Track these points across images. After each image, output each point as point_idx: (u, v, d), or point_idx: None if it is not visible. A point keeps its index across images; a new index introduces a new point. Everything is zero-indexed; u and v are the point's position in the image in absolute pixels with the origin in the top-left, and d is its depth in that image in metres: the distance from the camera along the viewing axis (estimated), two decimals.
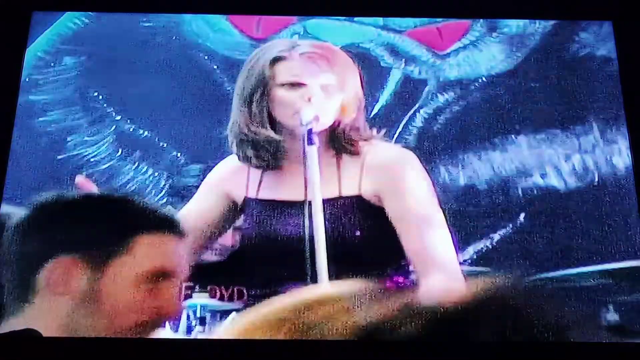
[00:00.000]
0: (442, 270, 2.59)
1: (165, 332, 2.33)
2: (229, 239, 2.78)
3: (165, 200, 2.84)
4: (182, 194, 2.82)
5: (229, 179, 2.76)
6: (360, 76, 2.80)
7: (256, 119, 2.70)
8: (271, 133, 2.70)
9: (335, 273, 2.57)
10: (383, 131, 2.81)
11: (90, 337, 2.07)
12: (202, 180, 2.81)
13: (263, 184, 2.73)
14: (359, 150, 2.71)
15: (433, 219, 2.65)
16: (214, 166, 2.82)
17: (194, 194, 2.79)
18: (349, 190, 2.68)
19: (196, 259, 2.67)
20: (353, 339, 2.26)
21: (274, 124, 2.71)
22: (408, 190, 2.66)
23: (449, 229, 2.67)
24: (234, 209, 2.75)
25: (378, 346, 2.39)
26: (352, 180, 2.69)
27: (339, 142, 2.71)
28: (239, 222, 2.76)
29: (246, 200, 2.73)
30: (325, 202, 2.63)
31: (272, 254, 2.63)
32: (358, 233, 2.64)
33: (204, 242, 2.72)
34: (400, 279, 2.66)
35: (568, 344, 2.32)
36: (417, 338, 1.75)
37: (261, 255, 2.67)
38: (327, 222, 2.61)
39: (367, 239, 2.65)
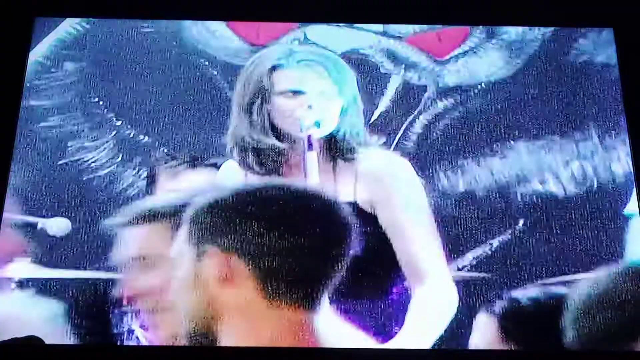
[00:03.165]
0: (433, 279, 2.60)
1: None
2: None
3: None
4: None
5: None
6: (357, 82, 2.80)
7: (258, 127, 2.71)
8: (275, 141, 2.70)
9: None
10: (382, 139, 2.82)
11: (91, 343, 2.08)
12: None
13: None
14: (356, 157, 2.72)
15: (424, 228, 2.66)
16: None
17: None
18: (345, 196, 2.68)
19: None
20: None
21: (275, 131, 2.71)
22: (400, 200, 2.67)
23: (447, 234, 2.68)
24: None
25: None
26: (348, 186, 2.70)
27: (337, 149, 2.72)
28: None
29: None
30: None
31: None
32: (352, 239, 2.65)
33: None
34: (395, 289, 2.67)
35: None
36: None
37: None
38: None
39: (363, 246, 2.66)
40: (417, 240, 2.63)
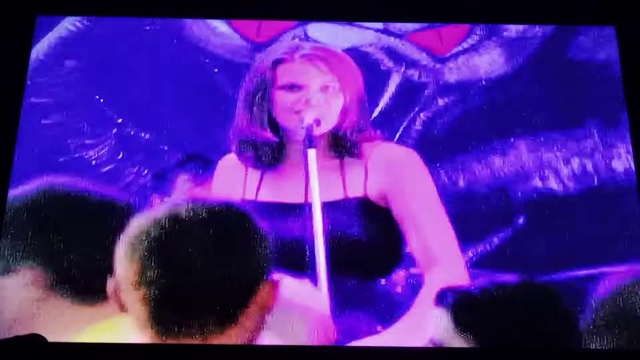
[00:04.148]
0: (446, 268, 2.61)
1: None
2: None
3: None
4: None
5: (226, 183, 2.77)
6: (363, 78, 2.81)
7: (257, 121, 2.71)
8: (270, 135, 2.71)
9: (341, 275, 2.58)
10: (386, 133, 2.83)
11: (94, 342, 2.08)
12: None
13: (263, 185, 2.74)
14: (364, 152, 2.72)
15: (438, 217, 2.67)
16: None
17: None
18: (355, 191, 2.69)
19: None
20: None
21: (275, 125, 2.72)
22: (413, 189, 2.69)
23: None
24: None
25: None
26: (358, 181, 2.70)
27: (343, 145, 2.72)
28: None
29: (243, 202, 2.73)
30: (330, 204, 2.64)
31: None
32: (364, 235, 2.66)
33: None
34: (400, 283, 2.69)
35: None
36: None
37: None
38: (332, 225, 2.63)
39: (373, 241, 2.67)
40: (431, 228, 2.65)
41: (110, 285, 2.04)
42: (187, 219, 2.07)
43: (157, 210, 2.14)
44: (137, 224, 2.08)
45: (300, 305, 2.40)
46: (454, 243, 2.65)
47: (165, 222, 2.06)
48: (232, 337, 2.02)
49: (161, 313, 2.00)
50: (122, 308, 2.01)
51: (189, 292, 2.02)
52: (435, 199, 2.69)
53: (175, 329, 2.01)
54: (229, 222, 2.11)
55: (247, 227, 2.11)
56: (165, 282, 2.01)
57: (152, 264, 2.02)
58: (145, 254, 2.01)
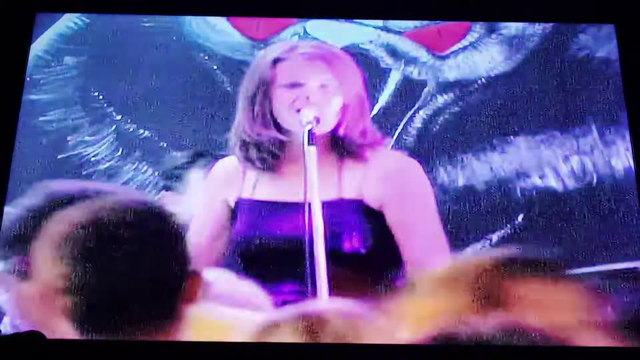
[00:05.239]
0: None
1: None
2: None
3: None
4: None
5: (224, 184, 2.77)
6: (364, 78, 2.80)
7: (259, 120, 2.71)
8: (275, 133, 2.70)
9: (332, 275, 2.58)
10: (390, 139, 2.82)
11: (93, 339, 2.08)
12: None
13: (259, 184, 2.74)
14: (365, 156, 2.72)
15: (432, 228, 2.67)
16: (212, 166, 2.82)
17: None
18: (350, 193, 2.69)
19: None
20: None
21: (276, 124, 2.72)
22: (409, 200, 2.68)
23: (447, 229, 2.69)
24: (230, 213, 2.75)
25: None
26: (354, 184, 2.69)
27: (343, 146, 2.71)
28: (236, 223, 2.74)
29: (240, 201, 2.73)
30: (324, 203, 2.63)
31: (269, 255, 2.64)
32: (356, 235, 2.65)
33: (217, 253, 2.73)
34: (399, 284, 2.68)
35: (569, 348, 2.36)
36: None
37: (258, 256, 2.67)
38: (325, 224, 2.62)
39: (365, 242, 2.66)
40: (424, 240, 2.65)
41: (30, 289, 2.03)
42: (108, 221, 2.09)
43: (78, 212, 2.14)
44: (59, 227, 2.08)
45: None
46: (447, 257, 2.65)
47: (88, 225, 2.07)
48: (175, 332, 2.04)
49: (98, 316, 2.01)
50: (51, 313, 2.01)
51: (122, 294, 2.03)
52: (432, 211, 2.69)
53: (118, 331, 2.02)
54: (147, 221, 2.13)
55: (165, 225, 2.14)
56: (95, 285, 2.02)
57: (81, 267, 2.02)
58: (73, 257, 2.02)
